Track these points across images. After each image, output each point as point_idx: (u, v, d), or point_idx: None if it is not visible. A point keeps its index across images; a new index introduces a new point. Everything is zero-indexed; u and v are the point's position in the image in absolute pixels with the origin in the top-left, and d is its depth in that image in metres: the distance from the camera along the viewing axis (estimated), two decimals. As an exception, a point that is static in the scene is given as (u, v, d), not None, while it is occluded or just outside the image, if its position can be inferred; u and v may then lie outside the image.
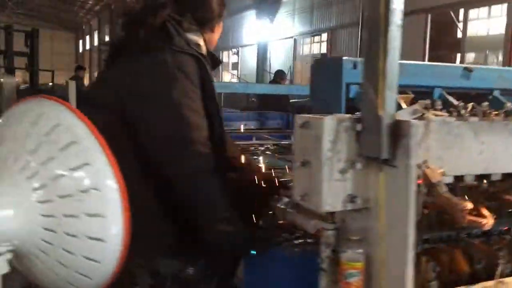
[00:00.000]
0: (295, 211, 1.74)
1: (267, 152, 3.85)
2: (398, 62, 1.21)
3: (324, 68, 1.69)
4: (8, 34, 10.94)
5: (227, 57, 18.56)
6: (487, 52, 9.19)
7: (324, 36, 13.86)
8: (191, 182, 1.46)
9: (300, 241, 1.53)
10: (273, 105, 6.04)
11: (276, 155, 3.82)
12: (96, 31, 33.14)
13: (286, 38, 14.84)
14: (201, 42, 1.63)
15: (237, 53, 17.92)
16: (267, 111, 5.75)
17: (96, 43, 33.74)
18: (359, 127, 1.26)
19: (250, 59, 16.39)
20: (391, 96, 1.21)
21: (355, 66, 1.49)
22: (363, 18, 11.49)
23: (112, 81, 1.54)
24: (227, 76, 17.78)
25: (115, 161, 1.09)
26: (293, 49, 14.70)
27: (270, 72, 12.90)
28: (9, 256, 1.09)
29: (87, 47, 36.50)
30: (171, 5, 1.53)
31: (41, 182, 1.07)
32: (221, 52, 17.27)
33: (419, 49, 9.62)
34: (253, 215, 1.71)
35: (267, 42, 15.22)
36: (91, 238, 1.07)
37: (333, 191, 1.27)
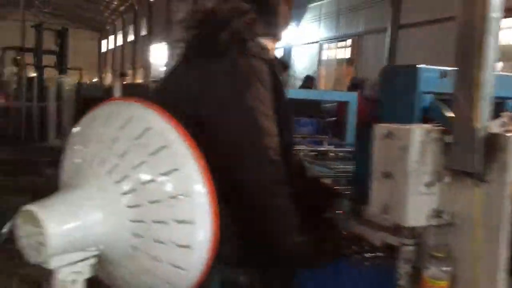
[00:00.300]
0: (358, 222, 1.70)
1: (305, 159, 3.80)
2: (494, 73, 1.16)
3: (396, 76, 1.64)
4: (38, 32, 11.11)
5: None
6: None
7: (349, 41, 13.78)
8: (261, 190, 1.42)
9: (370, 254, 1.48)
10: (303, 111, 5.98)
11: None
12: (120, 32, 33.50)
13: (311, 43, 14.79)
14: (271, 47, 1.60)
15: (261, 57, 17.85)
16: (298, 117, 5.69)
17: (119, 43, 34.13)
18: (448, 138, 1.21)
19: (274, 63, 16.31)
20: (486, 107, 1.16)
21: (444, 75, 1.44)
22: (392, 24, 11.40)
23: (184, 82, 1.52)
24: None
25: (206, 166, 1.06)
26: (318, 54, 14.64)
27: (294, 77, 12.84)
28: (93, 261, 1.06)
29: (110, 47, 36.91)
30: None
31: (130, 187, 1.04)
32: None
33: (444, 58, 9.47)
34: (316, 226, 1.66)
35: (292, 46, 15.17)
36: (178, 245, 1.04)
37: (418, 205, 1.23)
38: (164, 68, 25.44)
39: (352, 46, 13.60)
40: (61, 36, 10.97)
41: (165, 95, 1.58)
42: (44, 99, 9.06)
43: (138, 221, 1.03)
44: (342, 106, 6.14)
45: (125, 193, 1.04)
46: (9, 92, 9.53)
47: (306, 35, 14.84)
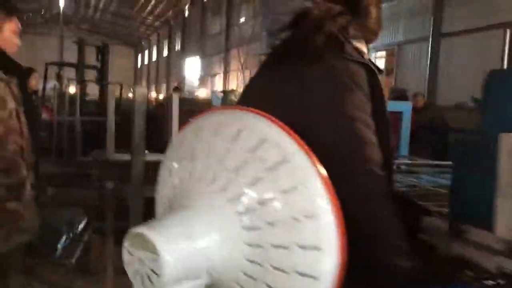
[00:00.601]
0: (462, 244, 1.53)
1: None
2: None
3: (505, 81, 1.49)
4: (80, 48, 11.34)
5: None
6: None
7: (388, 51, 13.52)
8: (365, 205, 1.28)
9: (490, 282, 1.31)
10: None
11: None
12: (155, 46, 34.08)
13: (348, 53, 14.57)
14: (365, 50, 1.48)
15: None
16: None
17: (154, 58, 34.72)
18: None
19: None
20: None
21: None
22: (434, 33, 11.11)
23: (272, 90, 1.40)
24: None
25: (331, 184, 0.93)
26: (355, 64, 14.41)
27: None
28: (204, 289, 0.94)
29: (145, 62, 37.59)
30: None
31: (247, 206, 0.92)
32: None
33: (496, 66, 9.13)
34: (414, 246, 1.51)
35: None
36: (301, 274, 0.91)
37: (561, 226, 1.06)
38: (197, 83, 25.70)
39: (387, 56, 13.33)
40: (101, 51, 11.15)
41: (250, 105, 1.47)
42: (85, 113, 9.20)
43: (255, 246, 0.91)
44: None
45: (240, 213, 0.92)
46: (52, 106, 9.70)
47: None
